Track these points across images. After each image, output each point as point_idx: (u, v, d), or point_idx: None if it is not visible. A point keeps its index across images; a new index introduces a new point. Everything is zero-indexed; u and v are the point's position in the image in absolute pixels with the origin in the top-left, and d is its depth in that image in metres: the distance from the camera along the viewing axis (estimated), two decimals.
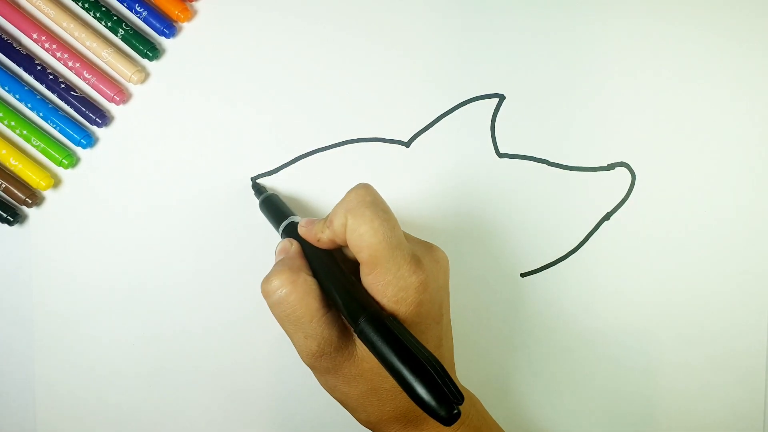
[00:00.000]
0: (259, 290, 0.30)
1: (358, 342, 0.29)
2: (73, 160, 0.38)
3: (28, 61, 0.37)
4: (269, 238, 0.38)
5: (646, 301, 0.39)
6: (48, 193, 0.39)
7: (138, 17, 0.37)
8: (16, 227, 0.39)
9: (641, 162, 0.38)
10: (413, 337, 0.26)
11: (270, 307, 0.30)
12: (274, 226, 0.35)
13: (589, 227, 0.39)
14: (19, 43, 0.38)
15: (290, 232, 0.33)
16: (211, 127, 0.38)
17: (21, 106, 0.38)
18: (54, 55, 0.38)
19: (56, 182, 0.39)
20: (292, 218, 0.34)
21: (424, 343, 0.27)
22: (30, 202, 0.38)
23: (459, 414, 0.24)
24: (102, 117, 0.38)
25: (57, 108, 0.38)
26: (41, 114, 0.38)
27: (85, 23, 0.38)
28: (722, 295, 0.39)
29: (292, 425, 0.39)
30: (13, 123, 0.38)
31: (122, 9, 0.38)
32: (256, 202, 0.38)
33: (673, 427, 0.39)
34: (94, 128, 0.38)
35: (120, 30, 0.37)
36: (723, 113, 0.38)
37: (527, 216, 0.38)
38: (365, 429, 0.31)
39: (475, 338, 0.39)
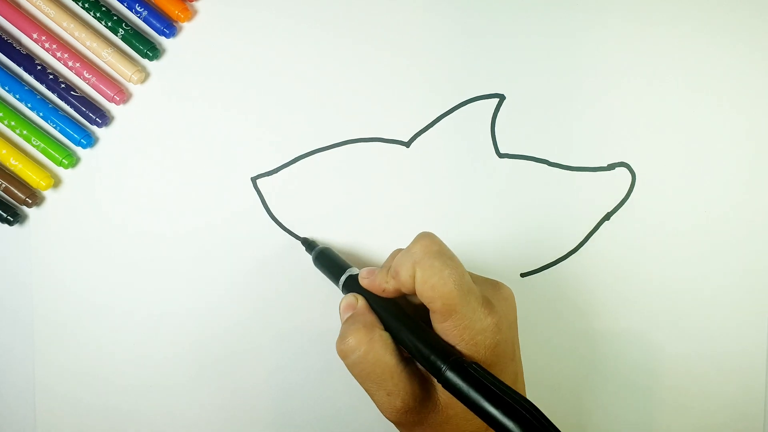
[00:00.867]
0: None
1: (440, 389, 0.29)
2: (73, 160, 0.38)
3: (28, 61, 0.38)
4: (269, 238, 0.38)
5: (646, 301, 0.39)
6: (48, 193, 0.39)
7: (138, 17, 0.38)
8: (16, 227, 0.39)
9: (641, 162, 0.38)
10: (498, 380, 0.26)
11: (349, 367, 0.30)
12: (332, 280, 0.35)
13: (589, 227, 0.39)
14: (19, 43, 0.38)
15: (351, 285, 0.33)
16: (211, 126, 0.38)
17: (21, 106, 0.38)
18: (54, 55, 0.38)
19: (56, 182, 0.39)
20: (350, 271, 0.34)
21: None
22: (30, 202, 0.38)
23: None
24: (102, 117, 0.38)
25: (57, 108, 0.38)
26: (41, 114, 0.38)
27: (85, 23, 0.38)
28: (722, 295, 0.39)
29: (292, 425, 0.39)
30: (13, 123, 0.38)
31: (122, 9, 0.38)
32: (257, 201, 0.38)
33: (673, 427, 0.39)
34: (94, 128, 0.38)
35: (120, 30, 0.37)
36: (723, 113, 0.38)
37: (527, 216, 0.38)
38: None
39: None
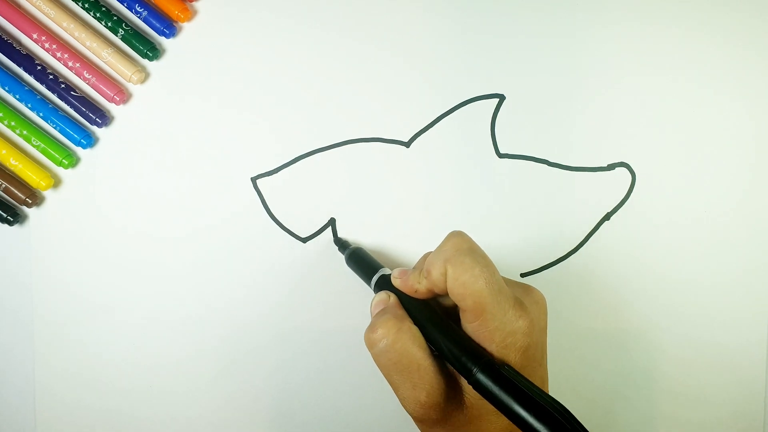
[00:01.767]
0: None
1: (467, 389, 0.29)
2: (73, 160, 0.38)
3: (28, 61, 0.37)
4: (269, 238, 0.38)
5: (646, 301, 0.39)
6: (48, 193, 0.39)
7: (138, 17, 0.38)
8: (16, 227, 0.39)
9: (641, 162, 0.38)
10: (531, 382, 0.26)
11: (375, 356, 0.29)
12: (364, 280, 0.35)
13: (589, 227, 0.39)
14: (19, 43, 0.38)
15: (383, 285, 0.33)
16: (211, 127, 0.38)
17: (21, 106, 0.38)
18: (54, 55, 0.38)
19: (56, 182, 0.39)
20: (382, 271, 0.34)
21: None
22: (30, 202, 0.38)
23: None
24: (102, 117, 0.38)
25: (57, 108, 0.38)
26: (41, 114, 0.38)
27: (85, 23, 0.38)
28: (722, 295, 0.39)
29: (292, 425, 0.39)
30: (13, 123, 0.38)
31: (122, 9, 0.38)
32: (257, 201, 0.38)
33: (673, 427, 0.39)
34: (94, 128, 0.38)
35: (120, 30, 0.37)
36: (723, 113, 0.38)
37: (527, 216, 0.38)
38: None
39: None
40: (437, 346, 0.29)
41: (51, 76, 0.38)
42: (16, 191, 0.38)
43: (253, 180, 0.38)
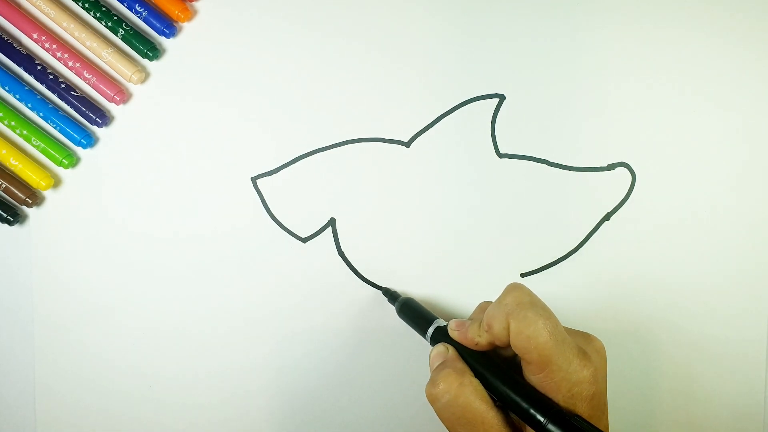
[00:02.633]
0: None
1: None
2: (73, 160, 0.38)
3: (28, 61, 0.37)
4: (269, 238, 0.38)
5: (645, 301, 0.39)
6: (48, 193, 0.39)
7: (138, 17, 0.38)
8: (16, 227, 0.39)
9: (641, 162, 0.38)
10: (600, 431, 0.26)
11: (438, 411, 0.29)
12: (417, 332, 0.35)
13: (589, 227, 0.39)
14: (20, 43, 0.38)
15: (439, 337, 0.33)
16: (211, 127, 0.38)
17: (21, 106, 0.38)
18: (54, 55, 0.38)
19: (56, 182, 0.39)
20: (437, 323, 0.34)
21: None
22: (30, 202, 0.38)
23: None
24: (102, 117, 0.38)
25: (57, 108, 0.38)
26: (41, 114, 0.38)
27: (86, 23, 0.38)
28: (722, 295, 0.39)
29: (292, 425, 0.39)
30: (13, 123, 0.38)
31: (122, 9, 0.38)
32: (257, 201, 0.38)
33: (673, 426, 0.39)
34: (94, 128, 0.38)
35: (120, 30, 0.37)
36: (723, 113, 0.38)
37: (527, 216, 0.38)
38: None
39: None
40: (502, 398, 0.29)
41: (51, 76, 0.38)
42: (16, 191, 0.38)
43: (253, 180, 0.38)
